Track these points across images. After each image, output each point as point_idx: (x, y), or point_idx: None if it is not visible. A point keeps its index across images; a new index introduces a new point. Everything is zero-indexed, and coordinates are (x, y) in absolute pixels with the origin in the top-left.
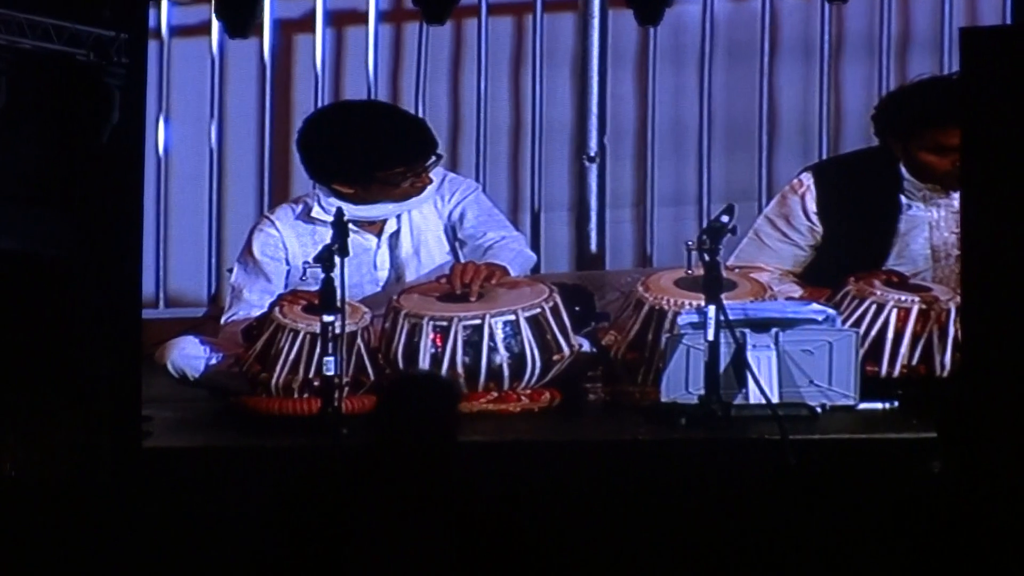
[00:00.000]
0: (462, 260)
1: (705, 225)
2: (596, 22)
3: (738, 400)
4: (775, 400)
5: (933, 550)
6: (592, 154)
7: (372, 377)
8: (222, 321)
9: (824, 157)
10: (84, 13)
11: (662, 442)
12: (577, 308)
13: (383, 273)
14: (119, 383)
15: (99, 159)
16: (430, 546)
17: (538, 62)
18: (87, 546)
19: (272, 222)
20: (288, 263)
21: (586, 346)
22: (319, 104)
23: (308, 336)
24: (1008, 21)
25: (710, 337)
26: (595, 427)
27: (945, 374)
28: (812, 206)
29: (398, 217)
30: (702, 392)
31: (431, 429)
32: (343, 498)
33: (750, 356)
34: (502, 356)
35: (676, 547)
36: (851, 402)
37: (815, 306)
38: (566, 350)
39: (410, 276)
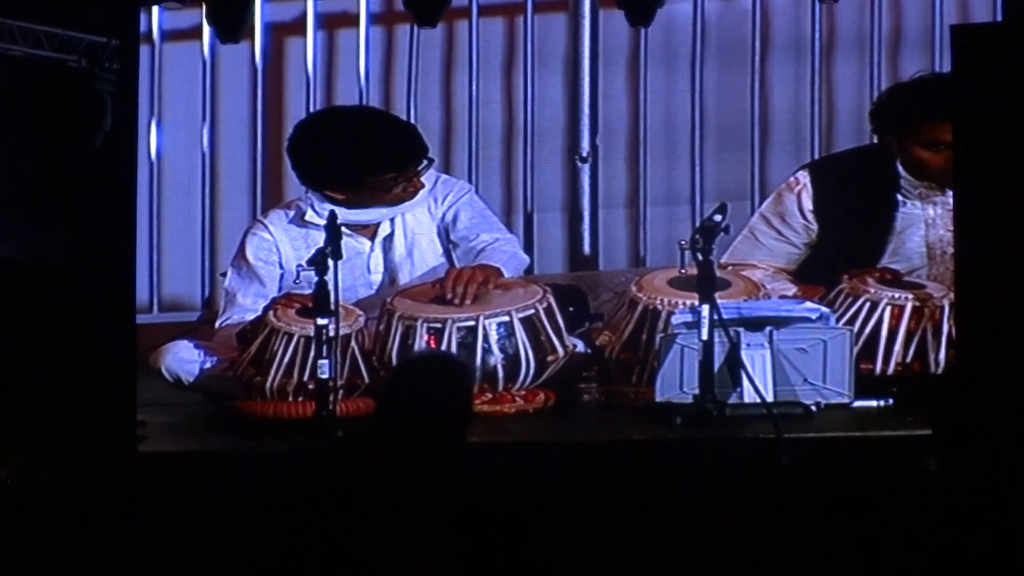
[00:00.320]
0: (456, 262)
1: (698, 224)
2: (587, 23)
3: (733, 399)
4: (770, 399)
5: (928, 547)
6: (584, 155)
7: (366, 380)
8: (216, 325)
9: (816, 156)
10: (75, 20)
11: (657, 442)
12: (571, 309)
13: (377, 276)
14: (114, 388)
15: (92, 165)
16: (430, 546)
17: (529, 63)
18: (83, 551)
19: (265, 226)
20: (281, 267)
21: (580, 347)
22: (311, 107)
23: (302, 339)
24: (999, 18)
25: (704, 336)
26: (590, 428)
27: (939, 371)
28: (808, 204)
29: (391, 220)
30: (697, 391)
31: (447, 408)
32: (343, 498)
33: (744, 355)
34: (496, 357)
35: (672, 547)
36: (846, 400)
37: (809, 304)
38: (560, 351)
39: (404, 279)
